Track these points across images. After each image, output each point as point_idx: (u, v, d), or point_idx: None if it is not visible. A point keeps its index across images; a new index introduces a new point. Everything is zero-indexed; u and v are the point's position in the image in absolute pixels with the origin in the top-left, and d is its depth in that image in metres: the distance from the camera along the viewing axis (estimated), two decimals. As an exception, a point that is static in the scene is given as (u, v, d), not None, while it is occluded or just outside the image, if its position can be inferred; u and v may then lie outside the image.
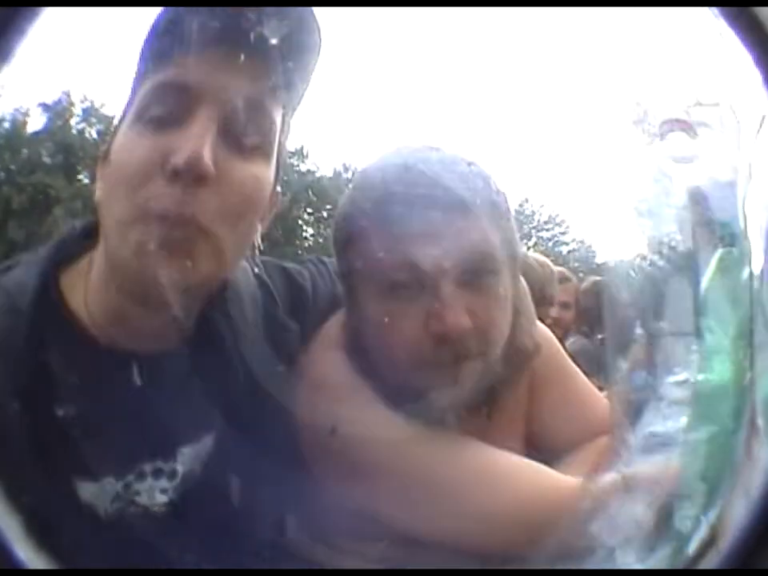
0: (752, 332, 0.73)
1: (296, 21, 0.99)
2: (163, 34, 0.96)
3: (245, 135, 0.97)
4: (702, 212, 0.94)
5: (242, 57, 0.97)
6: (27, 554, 0.59)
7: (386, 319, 1.10)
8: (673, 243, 0.96)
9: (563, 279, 3.41)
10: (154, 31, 0.97)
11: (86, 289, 1.02)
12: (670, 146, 1.00)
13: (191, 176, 0.93)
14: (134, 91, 1.00)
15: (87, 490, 0.96)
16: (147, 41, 0.99)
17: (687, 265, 0.95)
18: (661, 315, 0.94)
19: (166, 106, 0.97)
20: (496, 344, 1.13)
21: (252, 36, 0.96)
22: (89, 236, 1.06)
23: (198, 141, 0.93)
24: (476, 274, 1.09)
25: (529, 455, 1.20)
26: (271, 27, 0.97)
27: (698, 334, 0.92)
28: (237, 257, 1.05)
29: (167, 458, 1.02)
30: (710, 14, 0.64)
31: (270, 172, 1.02)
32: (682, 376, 0.93)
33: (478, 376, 1.12)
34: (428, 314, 1.07)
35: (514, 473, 1.12)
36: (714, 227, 0.93)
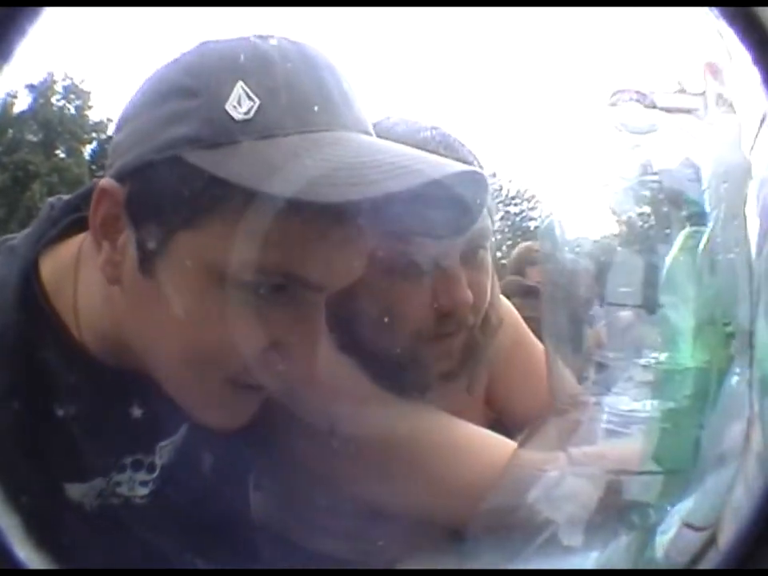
0: (753, 322, 0.73)
1: None
2: None
3: None
4: (661, 186, 0.94)
5: None
6: (27, 554, 0.58)
7: (391, 294, 1.10)
8: (626, 217, 0.96)
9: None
10: None
11: (74, 297, 0.92)
12: (624, 115, 0.97)
13: None
14: None
15: (77, 491, 0.93)
16: None
17: (646, 239, 0.95)
18: (617, 291, 0.93)
19: None
20: (482, 315, 1.17)
21: None
22: (69, 214, 0.96)
23: None
24: (475, 251, 1.13)
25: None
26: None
27: (660, 311, 0.90)
28: None
29: (147, 452, 0.99)
30: (704, 9, 0.64)
31: None
32: (650, 357, 0.91)
33: (465, 346, 1.16)
34: (436, 289, 1.10)
35: (479, 445, 1.12)
36: (680, 204, 0.92)
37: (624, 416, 0.92)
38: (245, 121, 0.79)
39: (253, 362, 0.86)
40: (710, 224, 0.86)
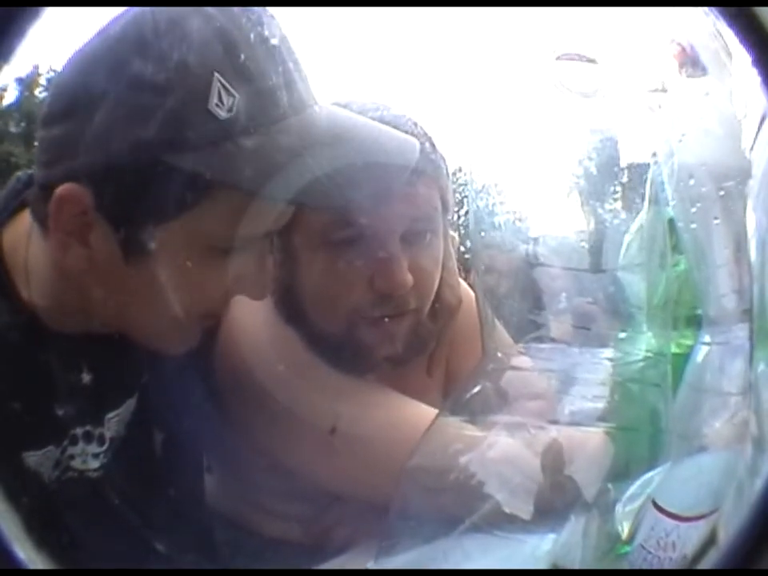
0: (753, 332, 0.73)
1: None
2: None
3: None
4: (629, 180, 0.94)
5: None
6: (27, 554, 0.58)
7: (329, 273, 1.10)
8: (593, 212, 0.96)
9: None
10: None
11: (26, 263, 0.93)
12: (567, 74, 0.95)
13: None
14: None
15: (32, 459, 0.94)
16: None
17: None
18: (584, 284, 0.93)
19: None
20: (429, 300, 1.15)
21: None
22: (31, 187, 0.95)
23: None
24: (419, 233, 1.11)
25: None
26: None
27: (619, 287, 0.91)
28: None
29: (96, 424, 1.00)
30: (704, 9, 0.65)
31: None
32: (611, 353, 0.91)
33: (411, 331, 1.14)
34: (373, 270, 1.08)
35: (415, 418, 1.09)
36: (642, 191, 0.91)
37: (584, 413, 0.92)
38: (228, 119, 0.80)
39: (223, 297, 0.95)
40: (649, 174, 0.87)
